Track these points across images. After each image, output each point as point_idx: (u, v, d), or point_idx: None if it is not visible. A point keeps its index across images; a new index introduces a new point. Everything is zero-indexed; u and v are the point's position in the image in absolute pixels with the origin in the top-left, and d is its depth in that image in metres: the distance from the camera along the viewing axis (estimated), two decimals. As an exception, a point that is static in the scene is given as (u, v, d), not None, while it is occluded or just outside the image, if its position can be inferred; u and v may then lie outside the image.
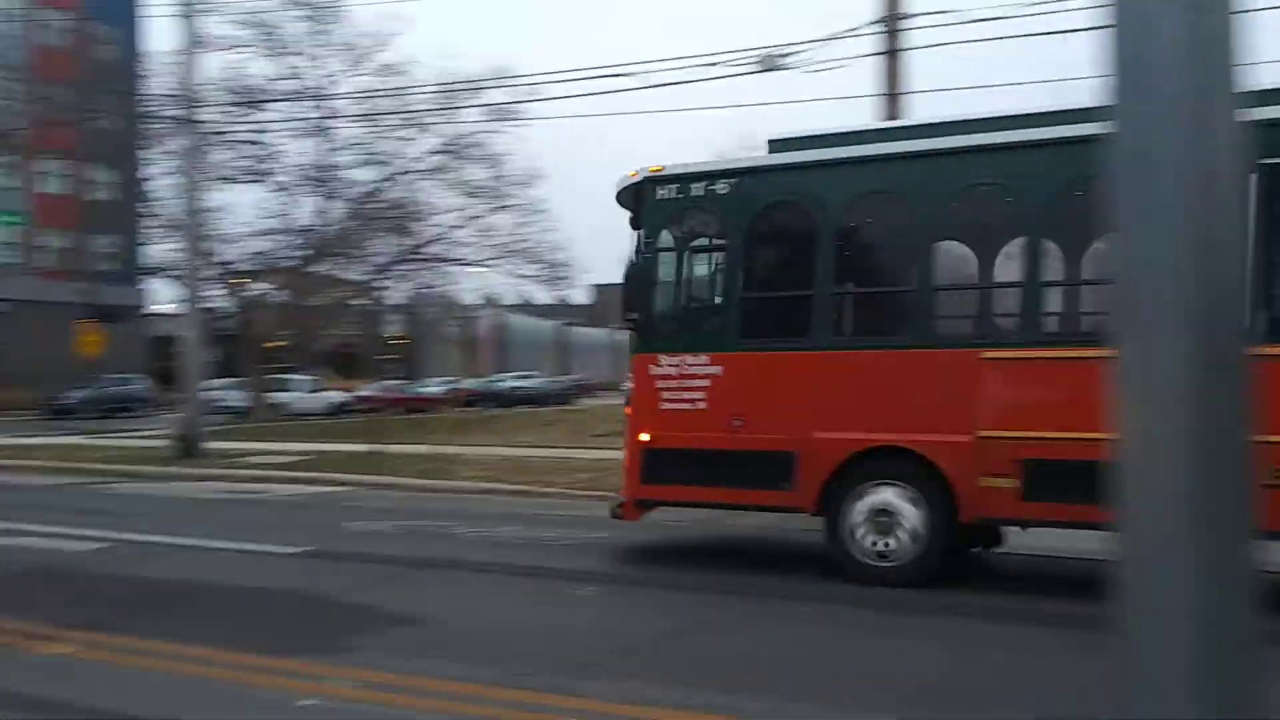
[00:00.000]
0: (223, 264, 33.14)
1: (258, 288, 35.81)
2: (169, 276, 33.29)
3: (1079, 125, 6.96)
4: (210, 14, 26.26)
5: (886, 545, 8.18)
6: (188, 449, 19.13)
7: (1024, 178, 8.03)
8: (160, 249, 35.28)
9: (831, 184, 8.82)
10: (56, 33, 49.15)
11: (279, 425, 30.45)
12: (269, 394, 35.96)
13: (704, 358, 8.94)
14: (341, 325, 41.96)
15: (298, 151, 31.62)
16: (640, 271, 9.23)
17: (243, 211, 31.93)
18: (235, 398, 37.78)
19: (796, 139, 9.27)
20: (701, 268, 9.71)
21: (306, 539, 11.02)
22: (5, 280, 34.02)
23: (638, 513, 9.51)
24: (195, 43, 19.49)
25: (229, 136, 29.21)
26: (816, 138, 9.13)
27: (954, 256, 9.32)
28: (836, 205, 8.76)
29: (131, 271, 37.98)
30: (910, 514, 8.11)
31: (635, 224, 9.37)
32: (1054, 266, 8.67)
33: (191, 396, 19.46)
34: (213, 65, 26.33)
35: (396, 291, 37.25)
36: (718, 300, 9.39)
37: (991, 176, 8.32)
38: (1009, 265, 8.63)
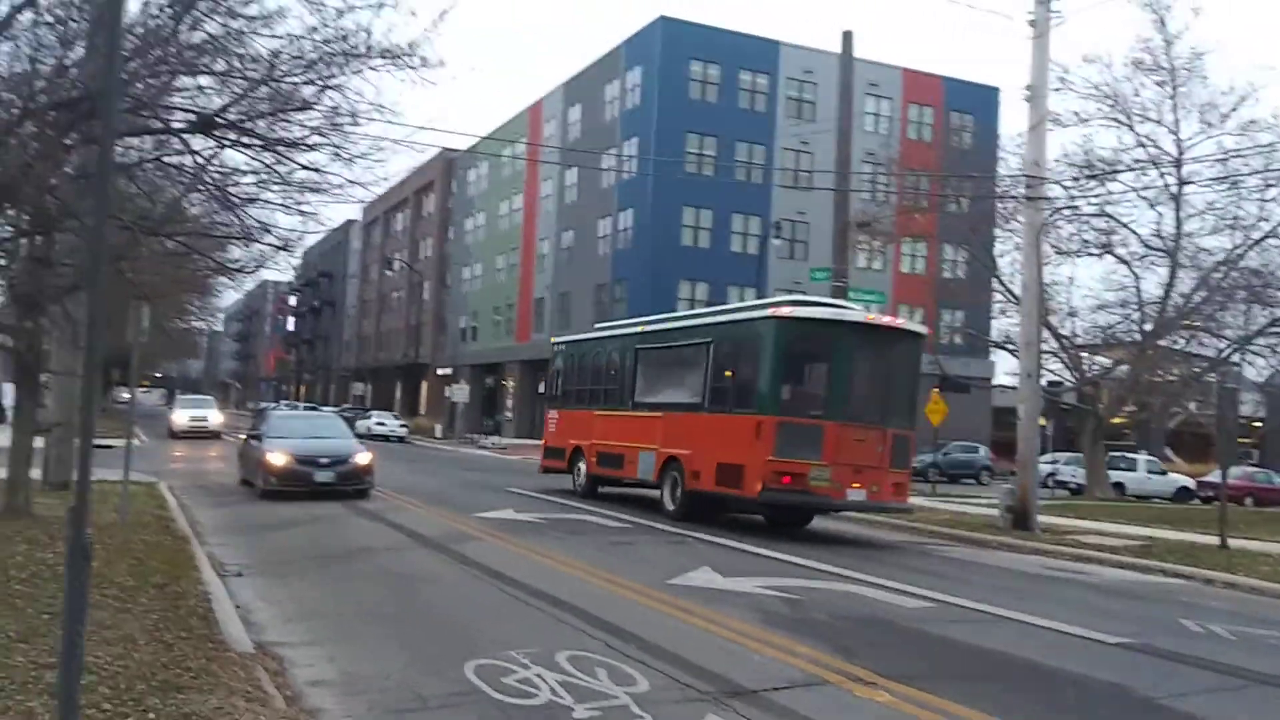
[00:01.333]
0: (1064, 337, 33.05)
1: (1100, 362, 34.98)
2: (1011, 350, 34.16)
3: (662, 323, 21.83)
4: (1060, 91, 26.64)
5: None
6: (1019, 520, 19.25)
7: (649, 346, 21.18)
8: (1005, 322, 36.46)
9: (597, 346, 23.61)
10: (919, 127, 54.07)
11: (1114, 505, 29.23)
12: (1106, 471, 34.72)
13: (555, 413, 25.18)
14: (1189, 403, 39.01)
15: (1146, 221, 30.33)
16: (547, 379, 27.21)
17: (1087, 284, 31.52)
18: (1070, 473, 37.28)
19: (599, 329, 25.83)
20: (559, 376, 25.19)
21: (1133, 630, 10.31)
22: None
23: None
24: (1042, 121, 19.80)
25: (1074, 210, 29.13)
26: (615, 326, 24.76)
27: (637, 371, 21.42)
28: (600, 355, 23.17)
29: (978, 345, 39.82)
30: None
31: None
32: (658, 379, 20.88)
33: (1026, 469, 19.57)
34: (1061, 141, 26.64)
35: (1254, 368, 33.59)
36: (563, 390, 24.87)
37: (647, 344, 21.25)
38: (653, 377, 21.00)
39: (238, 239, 11.39)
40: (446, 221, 79.68)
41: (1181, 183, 30.29)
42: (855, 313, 18.50)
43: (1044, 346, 32.65)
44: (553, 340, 26.54)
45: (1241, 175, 27.93)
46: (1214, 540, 17.90)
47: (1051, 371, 35.22)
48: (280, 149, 7.80)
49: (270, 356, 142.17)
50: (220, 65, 7.45)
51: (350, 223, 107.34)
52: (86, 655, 6.62)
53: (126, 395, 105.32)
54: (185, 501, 18.28)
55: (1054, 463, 37.15)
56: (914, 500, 26.10)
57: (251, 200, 10.70)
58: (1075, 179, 28.81)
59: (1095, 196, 29.40)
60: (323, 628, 9.04)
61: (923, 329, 19.59)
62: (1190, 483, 37.37)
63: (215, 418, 45.65)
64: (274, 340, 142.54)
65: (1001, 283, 34.13)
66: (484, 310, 69.68)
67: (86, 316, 14.32)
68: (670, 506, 19.11)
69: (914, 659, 8.64)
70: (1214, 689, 8.07)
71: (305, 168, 8.06)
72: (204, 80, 7.54)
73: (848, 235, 25.09)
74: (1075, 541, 18.02)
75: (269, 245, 11.03)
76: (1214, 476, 35.13)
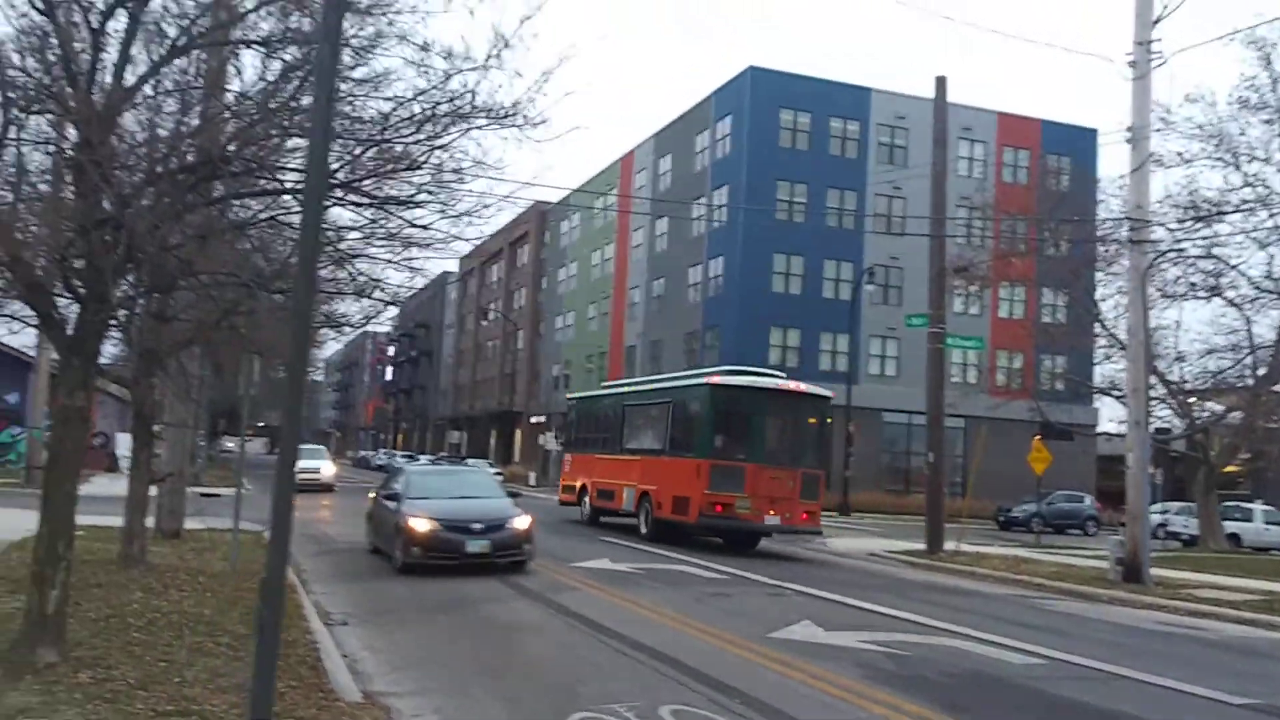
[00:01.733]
0: (1172, 383, 32.04)
1: (1211, 408, 33.80)
2: (1116, 396, 33.21)
3: (641, 385, 28.83)
4: (1161, 131, 26.08)
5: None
6: (1130, 573, 18.59)
7: (628, 403, 26.93)
8: (1109, 368, 35.48)
9: (596, 402, 30.03)
10: (1015, 170, 53.32)
11: (1230, 557, 28.06)
12: (1220, 522, 33.38)
13: (569, 456, 31.09)
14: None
15: (1256, 263, 29.33)
16: (564, 428, 34.56)
17: (1194, 328, 30.62)
18: (1182, 523, 35.94)
19: (601, 388, 33.70)
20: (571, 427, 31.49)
21: (1257, 690, 9.87)
22: (967, 399, 37.39)
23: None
24: (1145, 163, 19.38)
25: (1180, 253, 28.33)
26: (609, 386, 32.16)
27: (622, 424, 26.61)
28: (598, 410, 29.11)
29: (1081, 391, 38.80)
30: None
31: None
32: (633, 430, 26.25)
33: (1137, 519, 18.93)
34: (1164, 182, 26.00)
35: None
36: (574, 437, 30.82)
37: (627, 402, 27.03)
38: (630, 428, 26.32)
39: (349, 294, 11.72)
40: (540, 272, 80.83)
41: (1293, 223, 29.23)
42: (770, 380, 23.94)
43: (1151, 393, 31.72)
44: (566, 396, 36.86)
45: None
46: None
47: (1159, 418, 34.12)
48: (389, 207, 8.04)
49: (369, 406, 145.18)
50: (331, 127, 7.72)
51: (447, 274, 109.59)
52: (203, 703, 6.81)
53: (232, 444, 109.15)
54: (291, 550, 18.66)
55: (1165, 513, 35.89)
56: (1018, 552, 25.49)
57: (357, 256, 11.01)
58: (1180, 221, 28.05)
59: (1202, 238, 28.53)
60: (428, 678, 9.12)
61: (827, 393, 24.70)
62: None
63: (328, 469, 42.93)
64: (373, 389, 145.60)
65: (1104, 327, 33.28)
66: (576, 359, 70.27)
67: (203, 368, 14.68)
68: (644, 530, 24.13)
69: (1029, 718, 8.38)
70: (1352, 756, 7.66)
71: (413, 224, 8.29)
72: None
73: (944, 281, 24.76)
74: (1191, 596, 17.32)
75: (378, 299, 11.32)
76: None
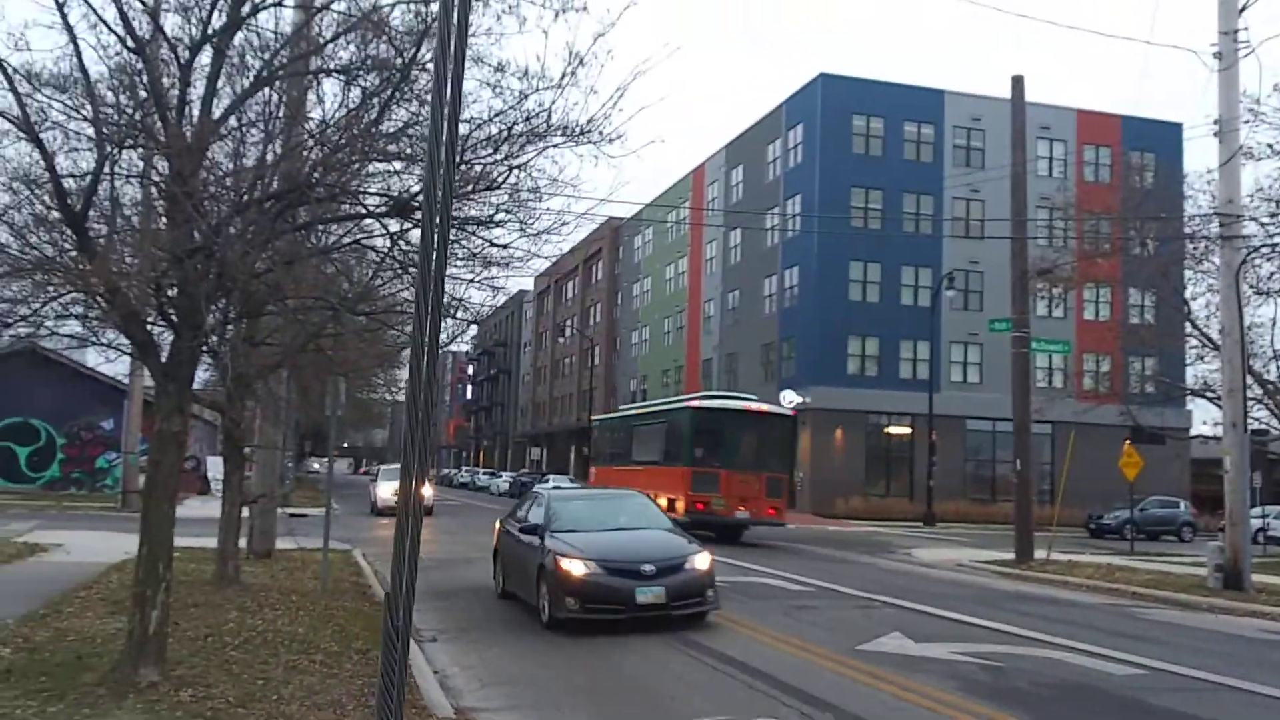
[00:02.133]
0: (1269, 383, 30.95)
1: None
2: (1210, 397, 32.20)
3: (644, 408, 36.21)
4: (1251, 124, 25.28)
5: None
6: (1230, 580, 17.99)
7: (634, 423, 33.85)
8: (1201, 369, 34.42)
9: (612, 423, 37.91)
10: (1097, 169, 52.17)
11: (1339, 562, 26.95)
12: (1326, 526, 32.13)
13: (594, 469, 37.83)
14: None
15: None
16: (591, 443, 42.71)
17: (1291, 325, 29.50)
18: (1283, 527, 34.69)
19: (619, 410, 47.84)
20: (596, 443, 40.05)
21: (1373, 701, 9.44)
22: (1054, 404, 36.58)
23: None
24: (1234, 156, 18.81)
25: (1273, 248, 27.39)
26: (621, 410, 46.96)
27: (631, 440, 33.16)
28: (614, 429, 36.44)
29: (1172, 393, 37.68)
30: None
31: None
32: (639, 445, 32.29)
33: (1236, 524, 18.32)
34: (1254, 175, 25.23)
35: None
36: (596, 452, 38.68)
37: (633, 422, 33.95)
38: (637, 443, 32.38)
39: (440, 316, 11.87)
40: (614, 287, 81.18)
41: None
42: (739, 402, 29.53)
43: (1248, 393, 30.68)
44: (590, 419, 48.83)
45: None
46: None
47: (1255, 419, 32.96)
48: (469, 227, 8.14)
49: (450, 424, 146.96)
50: (410, 150, 7.83)
51: (523, 293, 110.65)
52: (300, 720, 6.93)
53: (317, 465, 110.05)
54: (378, 568, 18.94)
55: (1264, 517, 34.60)
56: (1111, 560, 24.82)
57: (450, 277, 11.15)
58: (1273, 215, 27.10)
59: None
60: (517, 694, 9.17)
61: (788, 411, 32.17)
62: None
63: (427, 490, 42.60)
64: (454, 408, 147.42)
65: (1195, 326, 32.26)
66: (652, 373, 70.36)
67: (290, 391, 15.04)
68: None
69: (1130, 731, 8.14)
70: None
71: (493, 244, 8.38)
72: (396, 165, 7.93)
73: (1026, 284, 24.29)
74: (1297, 602, 16.69)
75: (460, 319, 11.44)
76: None
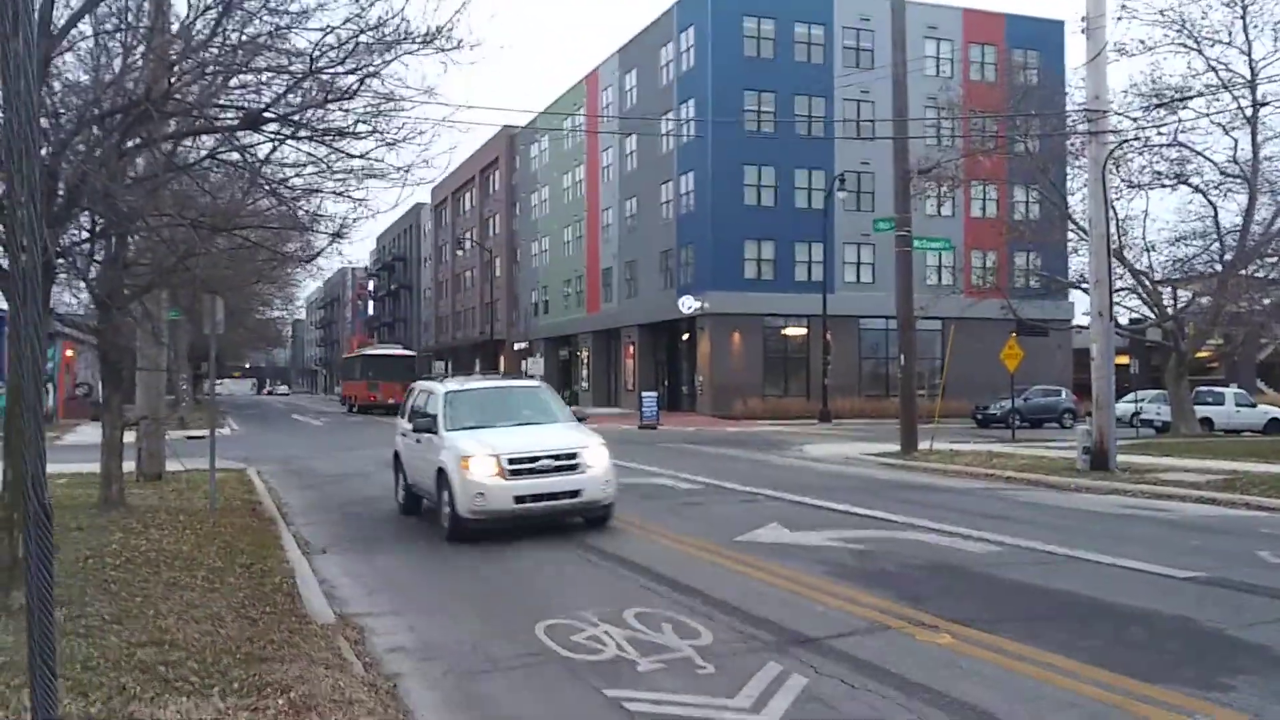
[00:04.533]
0: (1141, 273, 32.27)
1: (1180, 296, 34.12)
2: (1086, 289, 33.47)
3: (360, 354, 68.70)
4: (1123, 20, 25.89)
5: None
6: (1097, 461, 19.00)
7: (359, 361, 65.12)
8: (1079, 262, 35.66)
9: (352, 360, 71.22)
10: (982, 68, 52.87)
11: (1200, 442, 28.58)
12: (1192, 407, 33.92)
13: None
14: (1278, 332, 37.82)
15: (1222, 148, 29.37)
16: (342, 368, 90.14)
17: (1164, 217, 30.74)
18: (1155, 411, 36.50)
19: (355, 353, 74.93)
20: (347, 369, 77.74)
21: (1207, 564, 10.21)
22: (939, 300, 37.51)
23: None
24: (1101, 52, 19.31)
25: (1143, 141, 28.36)
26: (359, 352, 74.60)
27: (357, 368, 66.66)
28: (352, 363, 70.09)
29: (1052, 286, 38.97)
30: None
31: None
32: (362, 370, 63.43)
33: (1102, 408, 19.29)
34: (1129, 70, 25.96)
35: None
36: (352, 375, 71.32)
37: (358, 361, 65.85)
38: (361, 369, 65.28)
39: (289, 229, 11.72)
40: (512, 198, 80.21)
41: (1256, 105, 29.30)
42: (385, 349, 68.88)
43: (1121, 283, 31.95)
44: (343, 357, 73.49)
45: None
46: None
47: (1129, 309, 34.46)
48: (328, 139, 8.05)
49: (353, 341, 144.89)
50: (263, 63, 7.69)
51: (420, 206, 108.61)
52: (176, 633, 7.04)
53: (219, 387, 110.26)
54: (272, 485, 18.91)
55: (1138, 401, 36.39)
56: (991, 447, 25.90)
57: (314, 191, 11.00)
58: (1145, 109, 28.02)
59: (1167, 126, 28.55)
60: (402, 599, 9.39)
61: (409, 352, 67.19)
62: (1281, 413, 36.27)
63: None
64: (356, 325, 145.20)
65: (1074, 221, 33.37)
66: (554, 284, 70.16)
67: (171, 311, 14.75)
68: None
69: (979, 602, 8.70)
70: (1284, 618, 8.00)
71: (353, 155, 8.30)
72: (250, 78, 7.78)
73: (908, 183, 24.78)
74: (1155, 479, 17.74)
75: (322, 233, 11.33)
76: (1307, 406, 34.19)
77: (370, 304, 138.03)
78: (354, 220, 11.66)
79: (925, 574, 9.92)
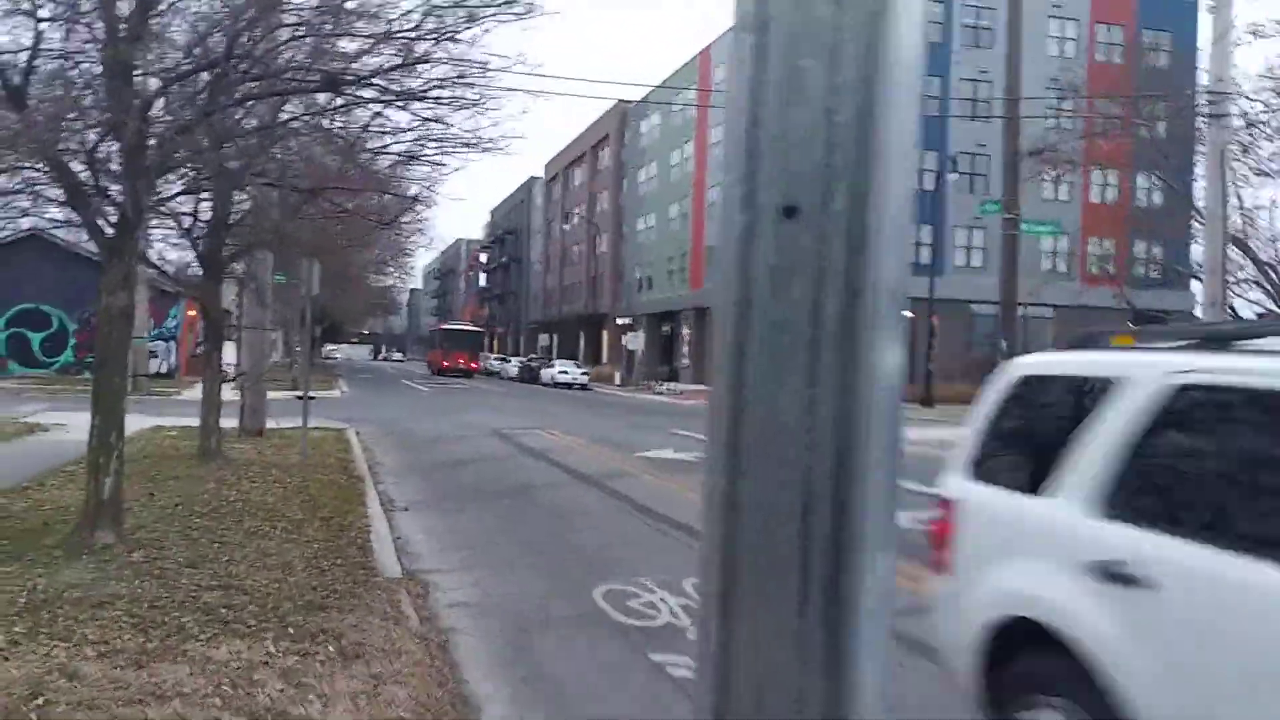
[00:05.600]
0: (1265, 264, 30.82)
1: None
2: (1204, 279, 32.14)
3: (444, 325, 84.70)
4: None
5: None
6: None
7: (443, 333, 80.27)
8: (1200, 251, 34.27)
9: (441, 332, 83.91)
10: (1109, 48, 51.01)
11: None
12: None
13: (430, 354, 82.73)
14: None
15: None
16: (433, 339, 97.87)
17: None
18: None
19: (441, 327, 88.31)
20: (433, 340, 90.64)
21: None
22: (1050, 287, 36.52)
23: None
24: (1227, 32, 18.47)
25: (1276, 127, 27.00)
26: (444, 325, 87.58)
27: (441, 339, 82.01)
28: (437, 335, 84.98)
29: (1168, 274, 37.58)
30: None
31: None
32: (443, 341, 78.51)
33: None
34: (1265, 53, 24.74)
35: None
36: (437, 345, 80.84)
37: (443, 333, 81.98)
38: (440, 340, 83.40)
39: (371, 190, 11.99)
40: (621, 173, 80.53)
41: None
42: (458, 323, 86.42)
43: (1244, 274, 30.58)
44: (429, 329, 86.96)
45: None
46: None
47: (1253, 302, 32.95)
48: (403, 102, 8.20)
49: (466, 312, 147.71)
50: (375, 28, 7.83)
51: (533, 180, 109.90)
52: (245, 579, 7.31)
53: (334, 350, 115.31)
54: (369, 444, 19.43)
55: None
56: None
57: (414, 157, 11.23)
58: (1277, 92, 26.63)
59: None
60: (474, 557, 9.57)
61: (478, 328, 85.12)
62: None
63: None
64: (469, 296, 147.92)
65: (1196, 209, 32.02)
66: (658, 260, 70.30)
67: (277, 274, 15.24)
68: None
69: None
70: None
71: (428, 120, 8.46)
72: (327, 45, 7.95)
73: (1018, 165, 24.11)
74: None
75: (400, 196, 11.56)
76: None
77: (482, 276, 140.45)
78: (430, 188, 11.87)
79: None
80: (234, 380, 17.06)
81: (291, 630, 6.18)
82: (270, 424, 18.86)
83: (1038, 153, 25.11)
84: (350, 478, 13.86)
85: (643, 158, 74.43)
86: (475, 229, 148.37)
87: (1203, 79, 30.20)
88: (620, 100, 79.07)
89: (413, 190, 11.19)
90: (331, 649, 5.88)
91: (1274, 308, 32.94)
